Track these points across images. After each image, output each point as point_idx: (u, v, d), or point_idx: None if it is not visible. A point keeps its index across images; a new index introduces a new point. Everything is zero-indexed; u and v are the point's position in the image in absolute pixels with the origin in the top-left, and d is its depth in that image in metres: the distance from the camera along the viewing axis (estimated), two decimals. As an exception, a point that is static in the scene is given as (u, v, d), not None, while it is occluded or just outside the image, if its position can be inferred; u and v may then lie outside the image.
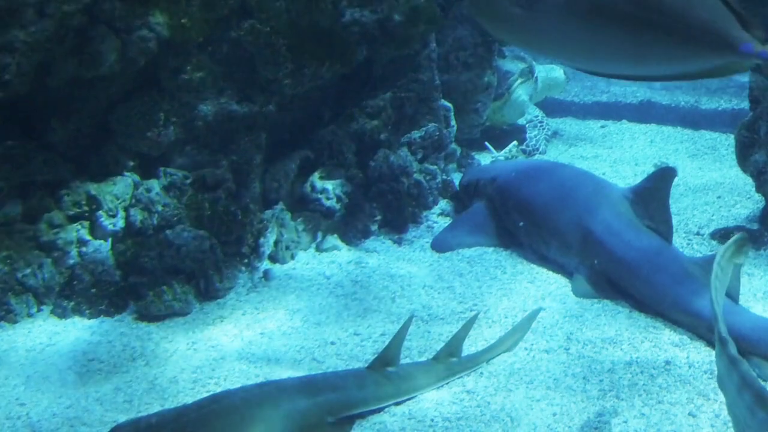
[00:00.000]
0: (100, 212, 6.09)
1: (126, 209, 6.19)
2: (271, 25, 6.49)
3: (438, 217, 7.76)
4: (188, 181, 6.37)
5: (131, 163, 6.35)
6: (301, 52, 6.65)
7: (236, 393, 4.64)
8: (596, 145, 10.27)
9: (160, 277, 6.05)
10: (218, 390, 4.99)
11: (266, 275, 6.57)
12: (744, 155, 7.37)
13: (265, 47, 6.48)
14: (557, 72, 10.31)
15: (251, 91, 6.61)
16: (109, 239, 6.11)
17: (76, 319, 5.89)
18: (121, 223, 6.16)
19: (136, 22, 5.96)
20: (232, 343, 5.65)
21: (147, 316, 5.93)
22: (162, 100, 6.31)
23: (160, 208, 6.19)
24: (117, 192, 6.21)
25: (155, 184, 6.26)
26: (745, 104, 7.55)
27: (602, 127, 10.89)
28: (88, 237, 6.03)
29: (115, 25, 5.92)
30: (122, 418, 4.61)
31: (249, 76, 6.56)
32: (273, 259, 6.77)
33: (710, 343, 5.58)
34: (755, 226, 7.41)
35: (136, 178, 6.34)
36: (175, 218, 6.24)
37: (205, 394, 4.89)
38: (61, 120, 6.06)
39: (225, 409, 4.40)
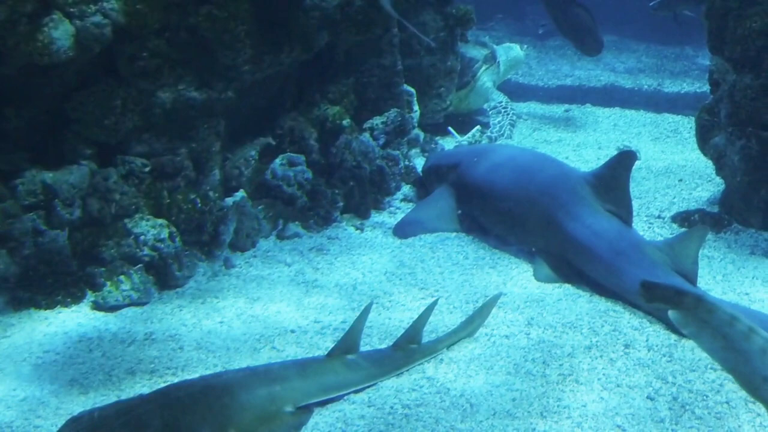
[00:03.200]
0: (57, 201, 5.99)
1: (83, 198, 6.10)
2: (229, 10, 6.40)
3: (401, 203, 7.75)
4: (146, 169, 6.31)
5: (88, 152, 6.25)
6: (260, 38, 6.58)
7: (193, 383, 4.60)
8: (560, 128, 10.30)
9: (118, 267, 5.99)
10: (176, 380, 4.95)
11: (227, 263, 6.52)
12: (704, 139, 7.41)
13: (224, 33, 6.40)
14: (515, 50, 10.35)
15: (210, 78, 6.53)
16: (66, 229, 6.02)
17: (32, 310, 5.81)
18: (78, 212, 6.06)
19: (90, 8, 5.86)
20: (190, 332, 5.60)
21: (105, 306, 5.86)
22: (119, 87, 6.22)
23: (117, 196, 6.12)
24: (74, 181, 6.11)
25: (113, 173, 6.18)
26: (708, 87, 7.57)
27: (566, 111, 10.92)
28: (44, 227, 5.92)
29: (69, 11, 5.81)
30: (78, 410, 4.54)
31: (207, 62, 6.48)
32: (234, 246, 6.72)
33: (669, 326, 5.60)
34: (716, 209, 7.45)
35: (94, 166, 6.24)
36: (134, 207, 6.18)
37: (163, 385, 4.85)
38: (15, 108, 5.96)
39: (181, 400, 4.36)
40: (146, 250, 6.05)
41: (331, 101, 7.62)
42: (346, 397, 4.88)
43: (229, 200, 6.79)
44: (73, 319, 5.74)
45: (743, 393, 4.87)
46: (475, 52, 9.99)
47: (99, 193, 6.11)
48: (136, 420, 4.21)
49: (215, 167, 6.71)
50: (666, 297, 3.70)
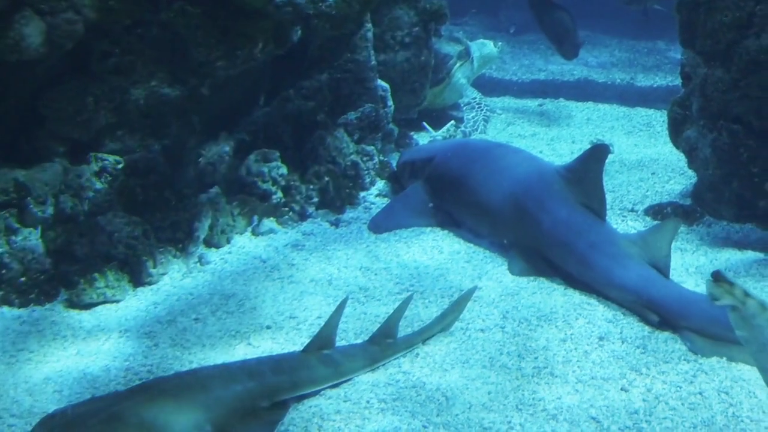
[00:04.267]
0: (29, 199, 5.97)
1: (56, 196, 6.07)
2: (201, 6, 6.39)
3: (375, 198, 7.76)
4: (120, 166, 6.28)
5: (61, 149, 6.23)
6: (233, 34, 6.55)
7: (168, 380, 4.60)
8: (534, 123, 10.33)
9: (92, 265, 5.95)
10: (151, 377, 4.94)
11: (201, 260, 6.50)
12: (677, 132, 7.46)
13: (196, 29, 6.37)
14: (489, 47, 10.39)
15: (183, 74, 6.51)
16: (39, 227, 5.99)
17: (5, 308, 5.76)
18: (51, 210, 6.03)
19: (61, 4, 5.83)
20: (165, 329, 5.58)
21: (79, 304, 5.82)
22: (91, 84, 6.20)
23: (91, 194, 6.09)
24: (46, 178, 6.09)
25: (86, 170, 6.15)
26: (680, 81, 7.61)
27: (540, 105, 10.96)
28: (17, 225, 5.90)
29: (40, 8, 5.78)
30: (52, 408, 4.52)
31: (180, 58, 6.46)
32: (208, 243, 6.70)
33: (643, 319, 5.65)
34: (688, 202, 7.51)
35: (67, 164, 6.22)
36: (107, 204, 6.15)
37: (138, 382, 4.84)
38: (-14, 105, 5.94)
39: (157, 396, 4.35)
40: (120, 248, 6.03)
41: (305, 97, 7.62)
42: (322, 392, 4.89)
43: (204, 196, 6.77)
44: (47, 318, 5.71)
45: (716, 384, 4.95)
46: (450, 49, 10.02)
47: (72, 190, 6.08)
48: (111, 417, 4.19)
49: (189, 164, 6.69)
50: (732, 293, 3.73)
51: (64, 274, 5.94)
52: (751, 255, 6.66)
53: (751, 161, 6.77)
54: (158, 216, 6.31)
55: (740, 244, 6.84)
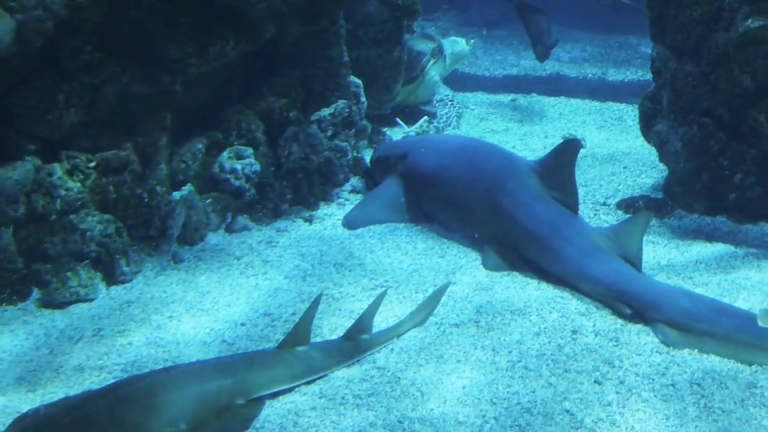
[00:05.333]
0: (0, 198, 5.92)
1: (27, 194, 6.02)
2: (172, 2, 6.36)
3: (349, 194, 7.77)
4: (92, 165, 6.25)
5: (32, 147, 6.17)
6: (205, 31, 6.54)
7: (143, 378, 4.57)
8: (506, 118, 10.37)
9: (64, 263, 5.93)
10: (125, 376, 4.92)
11: (175, 258, 6.48)
12: (647, 126, 7.51)
13: (167, 26, 6.35)
14: (461, 44, 10.47)
15: (155, 72, 6.48)
16: (11, 226, 5.94)
17: (-23, 308, 5.75)
18: (22, 208, 5.99)
19: (31, 1, 5.77)
20: (139, 327, 5.57)
21: (51, 303, 5.80)
22: (62, 81, 6.15)
23: (62, 192, 6.06)
24: (18, 177, 6.02)
25: (57, 168, 6.12)
26: (651, 75, 7.67)
27: (512, 100, 11.00)
28: (-12, 224, 5.87)
29: (10, 5, 5.71)
30: (25, 408, 4.49)
31: (152, 55, 6.43)
32: (182, 241, 6.68)
33: (615, 312, 5.69)
34: (659, 195, 7.57)
35: (38, 162, 6.16)
36: (79, 202, 6.12)
37: (112, 381, 4.82)
38: (-45, 104, 5.88)
39: (131, 395, 4.33)
40: (93, 246, 6.00)
41: (278, 94, 7.60)
42: (297, 389, 4.89)
43: (177, 194, 6.75)
44: (19, 317, 5.68)
45: (688, 375, 4.99)
46: (423, 46, 10.07)
47: (44, 189, 6.04)
48: (84, 417, 4.18)
49: (162, 161, 6.66)
50: None
51: (36, 273, 5.91)
52: (721, 247, 6.72)
53: (721, 154, 6.83)
54: (131, 214, 6.29)
55: (711, 237, 6.91)
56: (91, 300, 5.90)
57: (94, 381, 4.96)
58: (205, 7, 6.49)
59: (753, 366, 5.10)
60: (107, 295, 5.99)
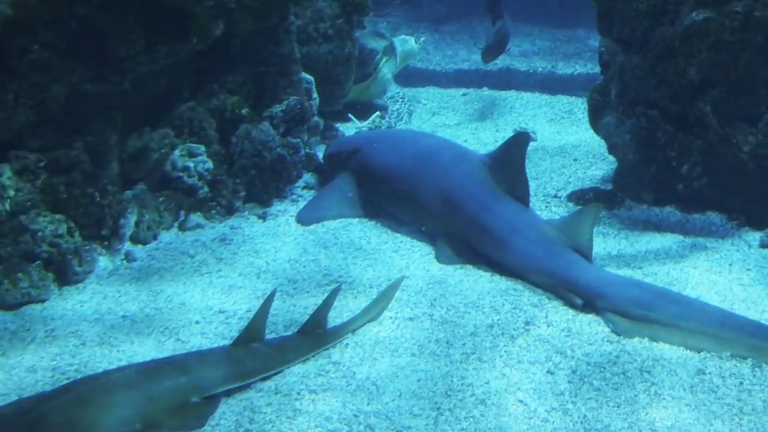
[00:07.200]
0: (-52, 200, 5.87)
1: (-24, 196, 5.97)
2: (121, 1, 6.32)
3: (303, 191, 7.78)
4: (42, 164, 6.18)
5: (-20, 148, 6.12)
6: (154, 29, 6.50)
7: (96, 378, 4.55)
8: (458, 112, 10.44)
9: (15, 264, 5.87)
10: (79, 376, 4.89)
11: (128, 257, 6.45)
12: (596, 118, 7.61)
13: (116, 24, 6.30)
14: (410, 43, 10.58)
15: (104, 70, 6.42)
16: (-40, 227, 5.89)
17: (-73, 310, 5.68)
18: (-29, 210, 5.94)
19: (-25, 0, 5.72)
20: (92, 327, 5.54)
21: (3, 304, 5.74)
22: (10, 81, 6.07)
23: (12, 193, 5.99)
24: (-34, 178, 5.98)
25: (6, 169, 6.04)
26: (599, 68, 7.77)
27: (464, 95, 11.08)
28: (-63, 225, 5.80)
29: (-47, 4, 5.67)
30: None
31: (101, 54, 6.37)
32: (135, 240, 6.65)
33: (567, 302, 5.76)
34: (609, 187, 7.67)
35: (-14, 163, 6.12)
36: (30, 203, 6.05)
37: (66, 381, 4.79)
38: None
39: (83, 396, 4.31)
40: (44, 247, 5.95)
41: (230, 91, 7.59)
42: (252, 385, 4.90)
43: (129, 193, 6.72)
44: (-30, 320, 5.63)
45: (638, 363, 5.08)
46: (375, 44, 10.14)
47: (-8, 190, 5.98)
48: (38, 419, 4.15)
49: (113, 160, 6.62)
50: None
51: (-13, 275, 5.85)
52: (670, 237, 6.83)
53: (668, 145, 6.94)
54: (83, 213, 6.24)
55: (660, 227, 7.01)
56: (44, 301, 5.86)
57: (47, 382, 4.93)
58: (154, 5, 6.45)
59: (701, 353, 5.19)
60: (60, 296, 5.95)
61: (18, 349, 5.30)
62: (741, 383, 4.90)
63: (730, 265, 6.32)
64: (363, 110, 9.66)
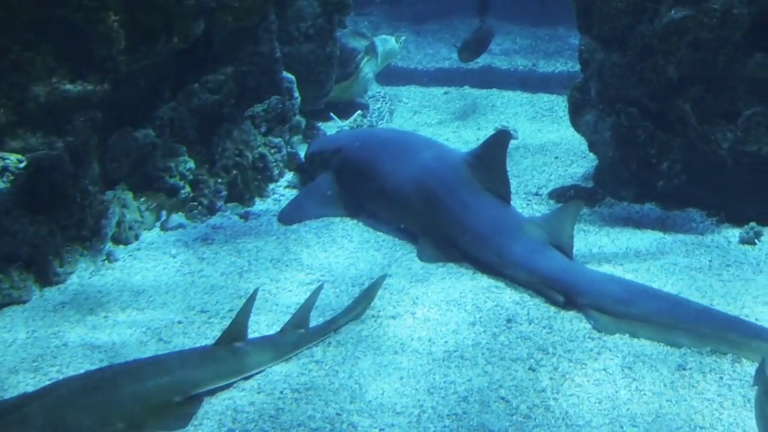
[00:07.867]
0: (-72, 201, 5.83)
1: (-44, 197, 5.94)
2: (101, 0, 6.30)
3: (285, 190, 7.79)
4: (22, 165, 6.13)
5: (-40, 149, 6.09)
6: (135, 28, 6.48)
7: (78, 378, 4.56)
8: (440, 111, 10.46)
9: (-4, 266, 5.85)
10: (61, 377, 4.88)
11: (109, 257, 6.44)
12: (577, 116, 7.65)
13: (96, 24, 6.28)
14: (391, 42, 10.62)
15: (85, 70, 6.40)
16: (-60, 229, 5.86)
17: None
18: (-49, 211, 5.91)
19: (-46, 1, 5.70)
20: (74, 328, 5.53)
21: (-16, 306, 5.73)
22: (-10, 81, 6.06)
23: (-8, 194, 5.97)
24: (-54, 179, 5.95)
25: (-14, 170, 6.03)
26: (579, 66, 7.81)
27: (445, 93, 11.09)
28: None
29: (-67, 5, 5.64)
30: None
31: (82, 54, 6.35)
32: (116, 240, 6.64)
33: (548, 299, 5.79)
34: (590, 184, 7.71)
35: (-34, 164, 6.09)
36: (10, 204, 6.01)
37: (47, 383, 4.78)
38: None
39: (66, 396, 4.31)
40: (25, 247, 5.93)
41: (211, 90, 7.57)
42: (235, 385, 4.90)
43: (110, 193, 6.70)
44: (-49, 321, 5.61)
45: (619, 360, 5.11)
46: (357, 44, 10.16)
47: (-27, 191, 5.96)
48: (21, 419, 4.15)
49: (94, 160, 6.60)
50: None
51: (-33, 276, 5.83)
52: (650, 234, 6.88)
53: (648, 143, 6.98)
54: (64, 214, 6.22)
55: (640, 224, 7.06)
56: (25, 302, 5.84)
57: (29, 383, 4.91)
58: (134, 4, 6.44)
59: (682, 348, 5.23)
60: (41, 297, 5.93)
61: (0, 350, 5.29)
62: (721, 378, 4.94)
63: (710, 261, 6.37)
64: (344, 109, 9.67)
